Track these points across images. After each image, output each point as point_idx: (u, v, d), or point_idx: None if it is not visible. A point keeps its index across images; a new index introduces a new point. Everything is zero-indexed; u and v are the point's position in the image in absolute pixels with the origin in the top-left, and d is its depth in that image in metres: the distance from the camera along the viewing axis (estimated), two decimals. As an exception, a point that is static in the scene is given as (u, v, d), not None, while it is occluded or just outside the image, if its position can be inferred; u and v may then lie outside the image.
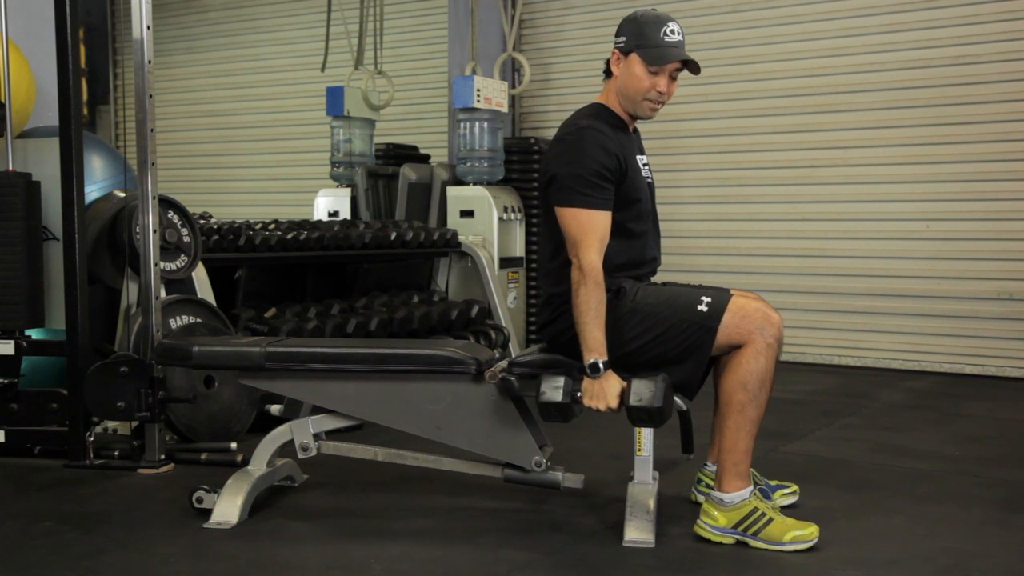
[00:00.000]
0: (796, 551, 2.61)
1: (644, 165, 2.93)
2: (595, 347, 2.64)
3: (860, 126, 5.84)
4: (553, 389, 2.66)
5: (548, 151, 2.85)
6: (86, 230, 3.66)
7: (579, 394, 2.67)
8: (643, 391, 2.61)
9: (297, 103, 8.24)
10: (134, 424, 3.54)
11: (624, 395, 2.63)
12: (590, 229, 2.68)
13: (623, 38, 2.81)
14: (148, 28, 3.52)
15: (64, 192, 3.53)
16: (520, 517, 2.96)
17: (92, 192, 4.01)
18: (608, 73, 2.89)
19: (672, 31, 2.78)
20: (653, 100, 2.82)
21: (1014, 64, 5.38)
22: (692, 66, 2.80)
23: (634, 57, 2.78)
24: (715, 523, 2.68)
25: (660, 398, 2.59)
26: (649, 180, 2.94)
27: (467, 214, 6.04)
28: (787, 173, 6.08)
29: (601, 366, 2.63)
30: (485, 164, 6.15)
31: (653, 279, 2.95)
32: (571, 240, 2.70)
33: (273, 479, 3.10)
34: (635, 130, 2.97)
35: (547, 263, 2.88)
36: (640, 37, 2.77)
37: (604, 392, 2.64)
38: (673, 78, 2.81)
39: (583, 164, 2.70)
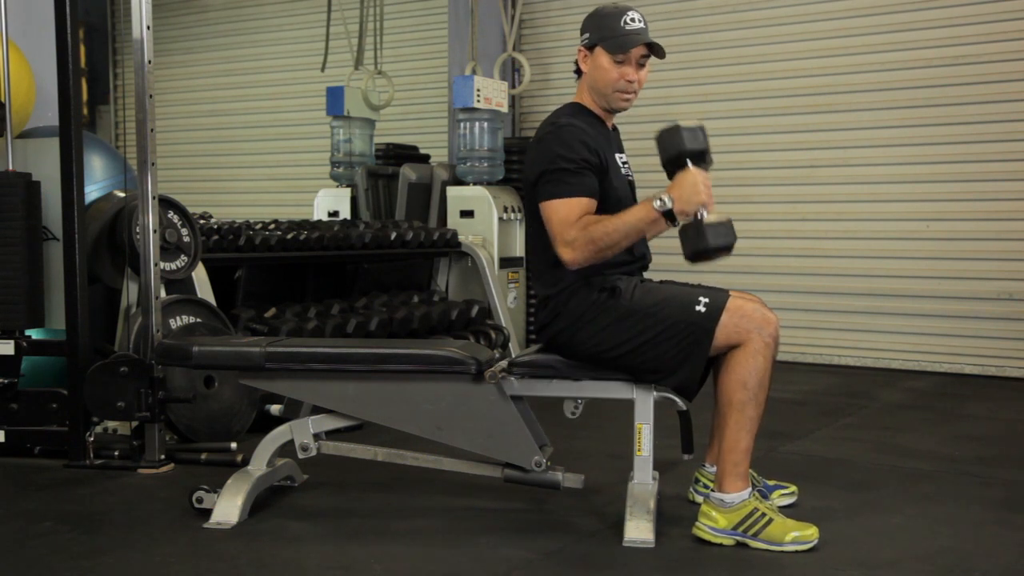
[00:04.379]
0: (796, 551, 2.61)
1: (624, 163, 2.94)
2: (642, 207, 2.63)
3: (860, 126, 5.83)
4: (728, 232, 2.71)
5: (528, 154, 2.85)
6: (86, 230, 3.66)
7: (703, 213, 2.61)
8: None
9: (297, 103, 8.24)
10: (134, 424, 3.54)
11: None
12: (572, 221, 2.67)
13: (586, 35, 2.84)
14: (148, 28, 3.52)
15: (64, 192, 3.53)
16: (520, 517, 2.96)
17: (92, 192, 4.01)
18: (579, 72, 2.90)
19: (632, 19, 2.79)
20: (623, 90, 2.83)
21: (1014, 64, 5.38)
22: (656, 50, 2.81)
23: (599, 50, 2.80)
24: (715, 524, 2.68)
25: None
26: (629, 178, 2.95)
27: (467, 214, 6.04)
28: (787, 173, 6.08)
29: (665, 199, 2.58)
30: (485, 164, 6.15)
31: (647, 276, 2.96)
32: (554, 234, 2.70)
33: (273, 479, 3.10)
34: (614, 128, 2.98)
35: (539, 265, 2.88)
36: (601, 30, 2.80)
37: (695, 184, 2.59)
38: (641, 65, 2.82)
39: (565, 157, 2.70)
